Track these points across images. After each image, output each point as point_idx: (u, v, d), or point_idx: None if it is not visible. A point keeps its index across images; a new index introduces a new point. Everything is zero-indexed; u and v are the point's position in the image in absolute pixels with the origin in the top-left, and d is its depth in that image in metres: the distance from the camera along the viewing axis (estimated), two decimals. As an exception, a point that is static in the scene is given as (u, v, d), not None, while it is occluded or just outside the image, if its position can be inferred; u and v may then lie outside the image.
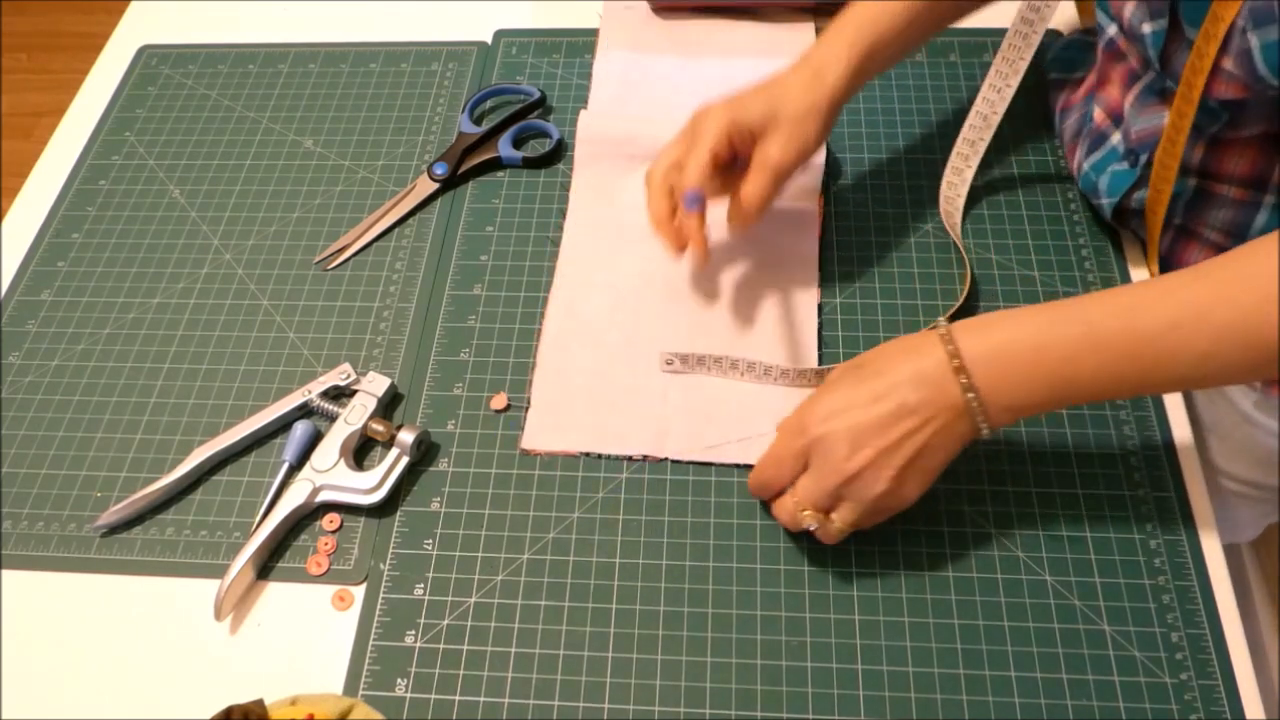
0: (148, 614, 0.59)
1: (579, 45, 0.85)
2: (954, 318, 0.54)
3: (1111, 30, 0.64)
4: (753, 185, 0.61)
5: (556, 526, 0.60)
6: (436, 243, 0.74)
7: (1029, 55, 0.65)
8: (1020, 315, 0.51)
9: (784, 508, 0.55)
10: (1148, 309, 0.48)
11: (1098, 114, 0.68)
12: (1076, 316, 0.49)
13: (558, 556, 0.59)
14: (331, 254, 0.73)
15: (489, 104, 0.82)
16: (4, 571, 0.61)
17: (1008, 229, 0.71)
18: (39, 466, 0.65)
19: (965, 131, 0.70)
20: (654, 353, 0.66)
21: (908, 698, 0.53)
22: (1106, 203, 0.66)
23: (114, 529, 0.62)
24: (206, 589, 0.59)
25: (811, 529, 0.54)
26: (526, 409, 0.65)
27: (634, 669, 0.55)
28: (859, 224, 0.72)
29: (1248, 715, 0.52)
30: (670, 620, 0.56)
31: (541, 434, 0.64)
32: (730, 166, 0.63)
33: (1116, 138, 0.66)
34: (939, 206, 0.72)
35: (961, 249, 0.69)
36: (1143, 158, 0.62)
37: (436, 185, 0.76)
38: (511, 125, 0.78)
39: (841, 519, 0.53)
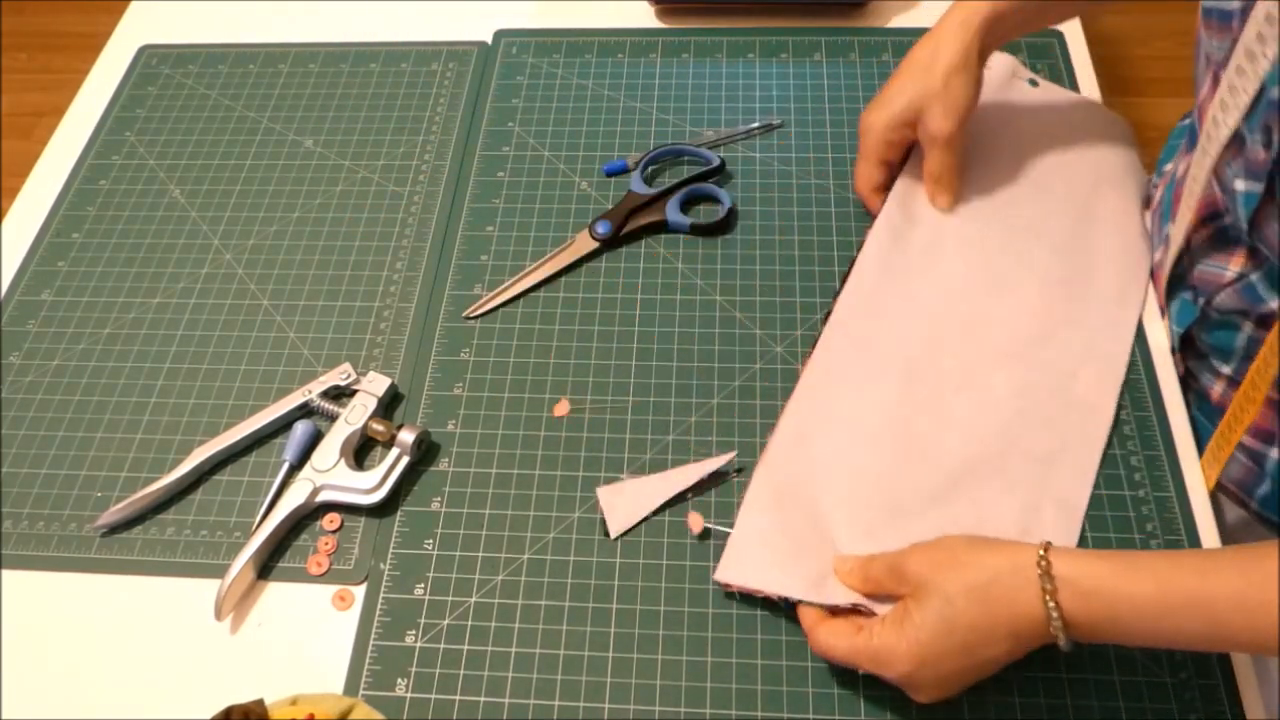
0: (148, 614, 0.59)
1: (579, 45, 0.85)
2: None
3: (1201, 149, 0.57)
4: (931, 163, 0.68)
5: (556, 526, 0.60)
6: (436, 243, 0.74)
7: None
8: (1131, 588, 0.45)
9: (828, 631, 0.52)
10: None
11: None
12: (1202, 614, 0.44)
13: (558, 556, 0.59)
14: (480, 304, 0.70)
15: (661, 163, 0.78)
16: (4, 571, 0.61)
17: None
18: (39, 466, 0.65)
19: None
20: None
21: (908, 697, 0.53)
22: (1174, 331, 0.64)
23: (114, 529, 0.62)
24: (206, 589, 0.59)
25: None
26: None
27: (634, 669, 0.55)
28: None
29: (1248, 715, 0.52)
30: (670, 620, 0.56)
31: (739, 568, 0.56)
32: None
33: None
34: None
35: None
36: (1200, 300, 0.60)
37: (596, 244, 0.72)
38: (683, 189, 0.74)
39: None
